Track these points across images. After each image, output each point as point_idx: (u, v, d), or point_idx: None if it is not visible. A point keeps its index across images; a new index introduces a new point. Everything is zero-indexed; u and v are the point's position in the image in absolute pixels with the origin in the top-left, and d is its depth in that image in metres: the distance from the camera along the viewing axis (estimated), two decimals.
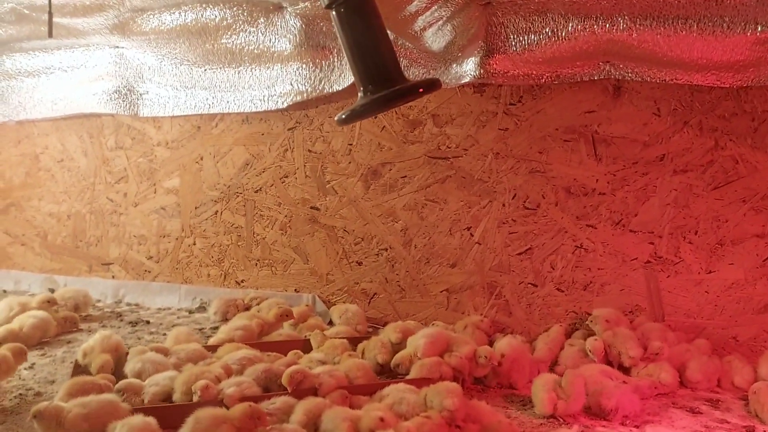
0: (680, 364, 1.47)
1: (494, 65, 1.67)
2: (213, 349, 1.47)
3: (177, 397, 1.22)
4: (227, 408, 1.11)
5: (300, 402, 1.13)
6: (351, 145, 1.88)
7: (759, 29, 1.44)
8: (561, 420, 1.24)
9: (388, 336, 1.50)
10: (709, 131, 1.62)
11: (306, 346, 1.55)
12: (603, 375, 1.35)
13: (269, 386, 1.25)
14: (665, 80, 1.62)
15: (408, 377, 1.35)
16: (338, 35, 0.98)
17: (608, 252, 1.70)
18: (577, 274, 1.72)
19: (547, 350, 1.57)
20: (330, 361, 1.38)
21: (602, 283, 1.70)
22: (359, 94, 1.00)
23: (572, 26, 1.57)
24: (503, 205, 1.77)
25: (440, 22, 1.61)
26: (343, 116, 1.00)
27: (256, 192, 1.99)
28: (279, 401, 1.14)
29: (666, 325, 1.64)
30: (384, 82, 0.96)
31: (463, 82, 1.71)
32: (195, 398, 1.17)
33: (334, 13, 0.96)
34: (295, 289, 1.96)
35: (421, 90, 1.01)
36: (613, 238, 1.69)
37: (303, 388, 1.20)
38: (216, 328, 1.78)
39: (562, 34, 1.58)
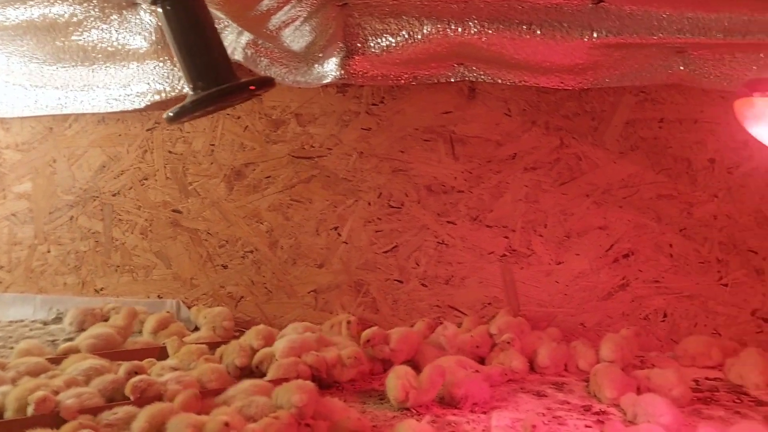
0: (532, 352, 1.54)
1: (354, 66, 1.69)
2: (58, 361, 1.39)
3: (9, 414, 1.14)
4: (65, 420, 1.06)
5: (144, 409, 1.09)
6: (213, 145, 1.84)
7: (594, 35, 1.53)
8: (414, 411, 1.27)
9: (250, 341, 1.48)
10: (555, 130, 1.72)
11: (163, 353, 1.50)
12: (458, 365, 1.39)
13: (115, 397, 1.20)
14: (514, 82, 1.70)
15: (266, 378, 1.34)
16: (165, 32, 0.96)
17: (467, 247, 1.76)
18: (439, 269, 1.78)
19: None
20: (185, 367, 1.35)
21: (462, 276, 1.77)
22: (189, 92, 0.99)
23: (426, 29, 1.61)
24: (368, 203, 1.79)
25: (297, 22, 1.61)
26: (171, 114, 0.98)
27: (114, 195, 1.90)
28: (121, 411, 1.09)
29: (521, 315, 1.73)
30: (213, 79, 0.95)
31: (325, 82, 1.72)
32: (30, 411, 1.10)
33: (159, 9, 0.94)
34: (158, 296, 1.90)
35: (252, 88, 1.01)
36: (471, 233, 1.76)
37: (148, 396, 1.16)
38: (71, 339, 1.69)
39: (417, 36, 1.63)
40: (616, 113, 1.69)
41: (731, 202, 1.63)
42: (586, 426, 1.22)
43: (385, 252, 1.79)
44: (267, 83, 1.04)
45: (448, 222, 1.77)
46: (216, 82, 0.95)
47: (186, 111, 0.98)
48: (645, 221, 1.68)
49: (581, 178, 1.71)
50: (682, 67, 1.62)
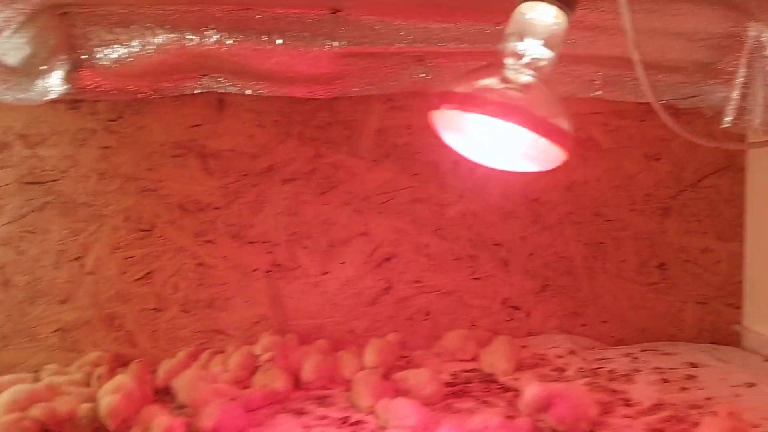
0: (299, 368, 1.51)
1: (83, 80, 1.54)
2: None
3: None
4: None
5: None
6: None
7: (336, 44, 1.54)
8: None
9: None
10: (310, 141, 1.70)
11: None
12: (215, 394, 1.31)
13: None
14: (264, 93, 1.65)
15: None
16: None
17: (229, 266, 1.69)
18: (200, 293, 1.68)
19: (167, 378, 1.49)
20: None
21: (226, 297, 1.69)
22: None
23: (160, 39, 1.51)
24: (115, 229, 1.65)
25: (8, 32, 1.43)
26: None
27: None
28: None
29: (291, 330, 1.69)
30: None
31: (50, 98, 1.55)
32: None
33: None
34: None
35: None
36: (232, 251, 1.69)
37: None
38: None
39: (151, 47, 1.51)
40: (368, 122, 1.72)
41: (476, 201, 1.73)
42: None
43: (139, 279, 1.65)
44: None
45: (207, 241, 1.68)
46: None
47: None
48: (403, 225, 1.73)
49: (340, 187, 1.71)
50: (423, 75, 1.68)
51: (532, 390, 1.26)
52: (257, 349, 1.53)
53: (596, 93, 1.73)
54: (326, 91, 1.69)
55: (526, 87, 0.89)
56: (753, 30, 1.49)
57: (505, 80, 0.90)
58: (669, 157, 1.77)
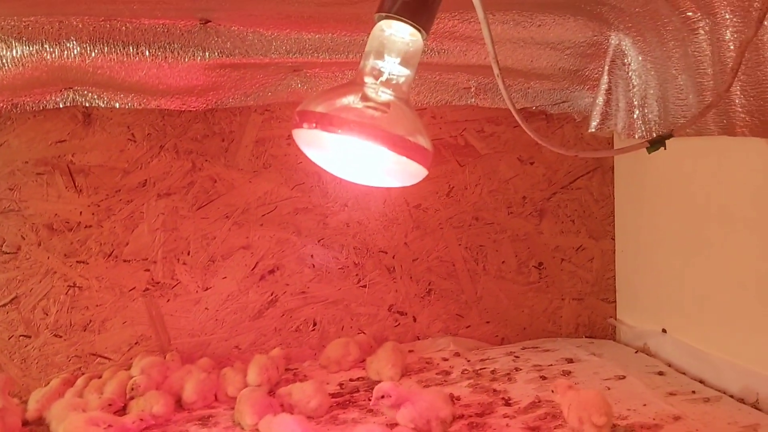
0: (181, 388, 1.46)
1: None
2: None
3: None
4: None
5: None
6: None
7: (207, 56, 1.50)
8: None
9: None
10: (186, 153, 1.65)
11: None
12: (88, 424, 1.25)
13: None
14: (135, 106, 1.59)
15: None
16: None
17: (104, 286, 1.61)
18: (74, 316, 1.60)
19: (39, 408, 1.41)
20: None
21: (103, 319, 1.61)
22: None
23: (17, 52, 1.42)
24: None
25: None
26: None
27: None
28: None
29: (174, 349, 1.64)
30: None
31: None
32: None
33: None
34: None
35: None
36: (107, 271, 1.61)
37: None
38: None
39: (7, 60, 1.43)
40: (245, 133, 1.69)
41: (360, 210, 1.74)
42: None
43: (4, 305, 1.55)
44: None
45: (79, 262, 1.60)
46: None
47: None
48: (286, 236, 1.71)
49: (219, 200, 1.68)
50: (300, 85, 1.67)
51: (379, 387, 1.27)
52: (135, 371, 1.47)
53: (471, 100, 1.78)
54: (201, 102, 1.64)
55: (385, 105, 0.90)
56: (614, 38, 1.58)
57: (365, 98, 0.90)
58: (542, 161, 1.84)
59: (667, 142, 1.22)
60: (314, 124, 0.87)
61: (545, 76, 1.72)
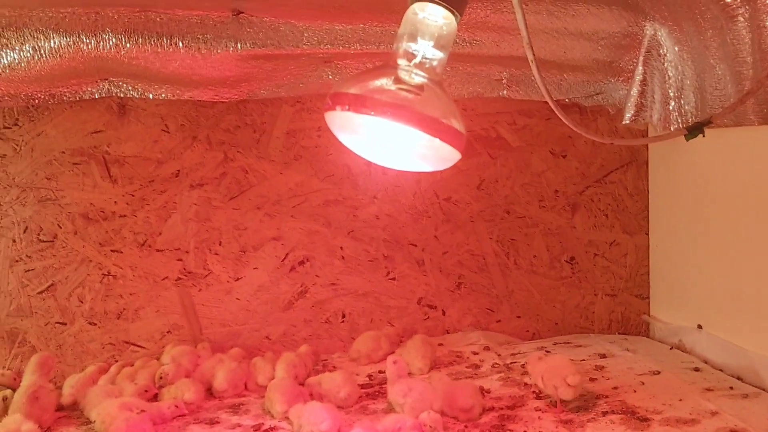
0: (212, 376, 1.47)
1: None
2: None
3: None
4: None
5: None
6: None
7: (239, 47, 1.51)
8: None
9: None
10: (218, 144, 1.67)
11: None
12: (121, 409, 1.27)
13: None
14: (168, 97, 1.61)
15: None
16: None
17: (138, 275, 1.63)
18: (108, 304, 1.62)
19: (74, 393, 1.43)
20: None
21: (136, 308, 1.63)
22: None
23: (55, 43, 1.45)
24: (13, 241, 1.57)
25: None
26: None
27: None
28: None
29: (205, 338, 1.66)
30: None
31: None
32: None
33: None
34: None
35: None
36: (140, 260, 1.63)
37: None
38: None
39: (45, 51, 1.45)
40: (277, 124, 1.70)
41: (389, 202, 1.74)
42: None
43: (41, 293, 1.58)
44: None
45: (113, 251, 1.62)
46: None
47: None
48: (316, 227, 1.72)
49: (250, 191, 1.69)
50: (331, 77, 1.67)
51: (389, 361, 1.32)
52: (165, 359, 1.48)
53: (503, 92, 1.76)
54: (233, 93, 1.66)
55: (418, 88, 0.90)
56: (649, 29, 1.55)
57: (398, 81, 0.90)
58: (575, 154, 1.82)
59: (705, 132, 1.20)
60: (347, 106, 0.87)
61: (579, 68, 1.70)
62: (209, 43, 1.49)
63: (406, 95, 0.87)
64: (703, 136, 1.13)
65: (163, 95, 1.60)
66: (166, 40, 1.49)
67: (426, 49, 0.91)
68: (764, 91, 1.24)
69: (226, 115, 1.67)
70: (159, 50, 1.49)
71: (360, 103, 0.85)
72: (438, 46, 0.92)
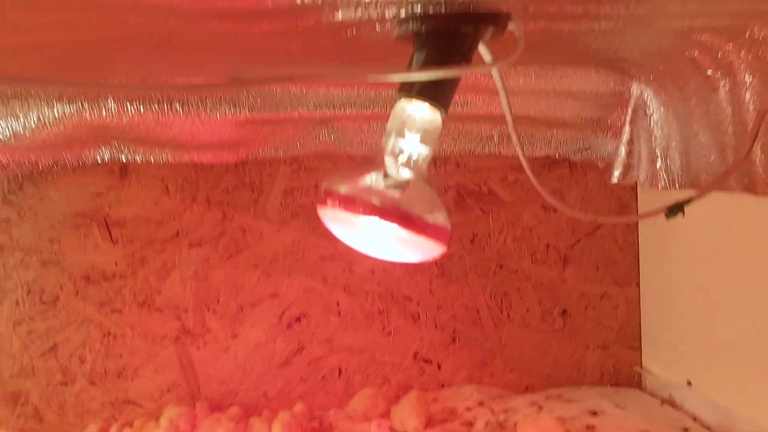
0: None
1: None
2: None
3: None
4: None
5: None
6: None
7: (238, 112, 1.56)
8: None
9: None
10: (217, 205, 1.71)
11: None
12: None
13: None
14: (169, 159, 1.66)
15: None
16: None
17: (137, 335, 1.67)
18: (108, 363, 1.65)
19: None
20: None
21: (135, 367, 1.67)
22: None
23: (59, 112, 1.50)
24: (17, 303, 1.61)
25: None
26: None
27: None
28: None
29: (203, 397, 1.69)
30: None
31: None
32: None
33: None
34: None
35: None
36: (140, 319, 1.67)
37: None
38: None
39: (49, 120, 1.50)
40: (275, 184, 1.74)
41: None
42: None
43: (43, 354, 1.62)
44: None
45: (113, 311, 1.66)
46: None
47: None
48: (313, 284, 1.75)
49: (248, 250, 1.73)
50: (327, 137, 1.72)
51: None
52: (163, 422, 1.51)
53: (494, 149, 1.81)
54: (232, 155, 1.70)
55: (405, 183, 0.94)
56: (636, 89, 1.60)
57: (386, 176, 0.94)
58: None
59: (689, 204, 1.24)
60: (338, 203, 0.91)
61: (568, 125, 1.74)
62: (208, 108, 1.54)
63: (393, 193, 0.92)
64: (683, 215, 1.17)
65: (164, 158, 1.64)
66: (167, 106, 1.54)
67: (413, 146, 0.95)
68: (745, 163, 1.28)
69: (225, 176, 1.71)
70: (159, 116, 1.54)
71: (350, 203, 0.90)
72: (424, 141, 0.96)
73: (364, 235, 0.97)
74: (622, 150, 1.68)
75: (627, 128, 1.66)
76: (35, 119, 1.51)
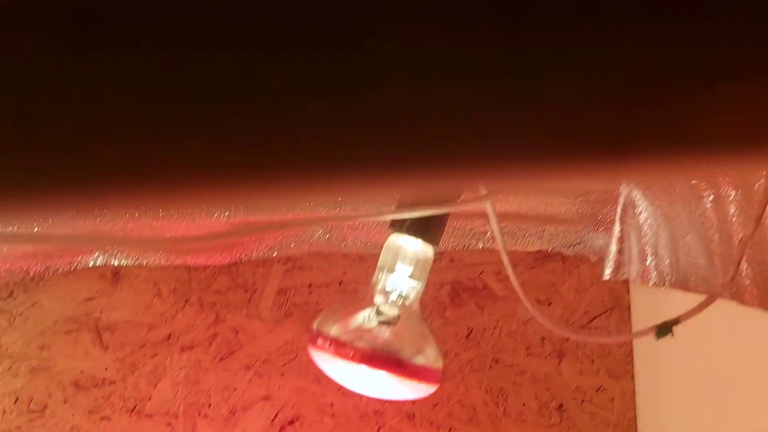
0: None
1: None
2: None
3: None
4: None
5: None
6: None
7: (231, 215, 1.56)
8: None
9: None
10: (210, 306, 1.71)
11: None
12: None
13: None
14: (162, 263, 1.66)
15: None
16: None
17: None
18: None
19: None
20: None
21: None
22: None
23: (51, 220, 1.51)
24: (4, 412, 1.58)
25: None
26: None
27: None
28: None
29: None
30: None
31: None
32: None
33: None
34: None
35: None
36: (129, 426, 1.64)
37: None
38: None
39: (42, 228, 1.51)
40: (268, 283, 1.74)
41: None
42: None
43: None
44: None
45: (103, 418, 1.63)
46: None
47: None
48: (306, 384, 1.73)
49: (240, 351, 1.71)
50: (322, 236, 1.73)
51: None
52: None
53: (488, 244, 1.82)
54: (225, 257, 1.71)
55: (396, 318, 0.94)
56: (625, 188, 1.62)
57: (378, 312, 0.94)
58: (559, 301, 1.86)
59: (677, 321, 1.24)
60: (328, 346, 0.91)
61: (560, 221, 1.76)
62: (203, 212, 1.55)
63: (384, 332, 0.92)
64: (672, 335, 1.17)
65: (156, 262, 1.65)
66: (161, 211, 1.55)
67: (404, 281, 0.96)
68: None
69: (218, 277, 1.71)
70: (153, 222, 1.55)
71: (340, 348, 0.90)
72: (415, 276, 0.97)
73: (356, 377, 0.96)
74: (613, 248, 1.70)
75: (617, 226, 1.68)
76: (28, 228, 1.51)
